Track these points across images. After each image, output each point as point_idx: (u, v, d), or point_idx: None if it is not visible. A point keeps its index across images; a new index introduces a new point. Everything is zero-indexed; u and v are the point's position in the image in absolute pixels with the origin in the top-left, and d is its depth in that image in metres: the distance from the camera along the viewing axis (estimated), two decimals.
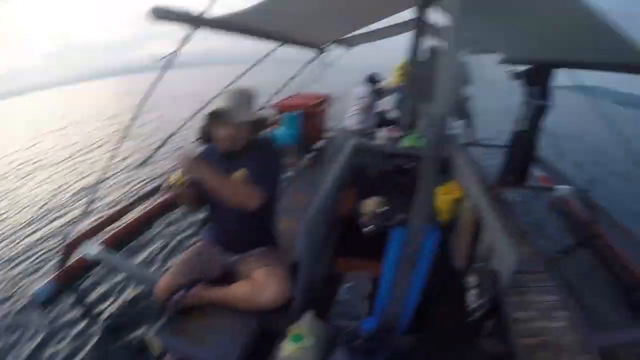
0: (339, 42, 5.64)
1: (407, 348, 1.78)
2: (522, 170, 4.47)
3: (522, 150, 4.11)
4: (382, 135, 4.01)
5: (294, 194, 3.98)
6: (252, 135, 2.04)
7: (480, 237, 2.48)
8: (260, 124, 2.11)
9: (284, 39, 3.89)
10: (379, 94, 5.91)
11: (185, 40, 2.48)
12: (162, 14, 2.09)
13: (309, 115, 5.25)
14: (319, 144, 5.99)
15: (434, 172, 1.65)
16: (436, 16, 4.13)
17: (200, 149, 2.20)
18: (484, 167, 5.69)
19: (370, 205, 1.91)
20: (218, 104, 1.90)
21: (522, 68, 4.59)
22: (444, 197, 3.33)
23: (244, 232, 2.15)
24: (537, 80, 4.20)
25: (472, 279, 2.27)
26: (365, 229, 2.14)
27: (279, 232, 2.38)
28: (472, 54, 5.44)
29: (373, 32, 5.71)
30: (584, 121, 13.54)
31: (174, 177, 1.86)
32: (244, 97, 1.98)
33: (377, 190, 3.70)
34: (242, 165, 1.97)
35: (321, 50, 5.29)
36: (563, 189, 5.11)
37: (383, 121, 5.89)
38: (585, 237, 4.50)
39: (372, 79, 5.82)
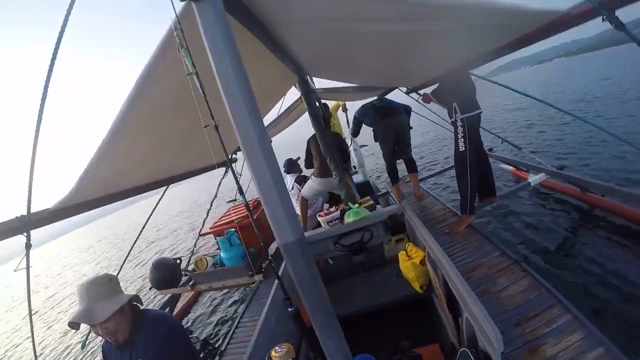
0: None
1: None
2: (484, 184, 4.25)
3: (475, 168, 3.90)
4: (322, 219, 3.76)
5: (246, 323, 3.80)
6: (134, 317, 1.83)
7: (458, 309, 2.21)
8: (137, 301, 1.89)
9: (181, 177, 3.66)
10: (304, 178, 5.74)
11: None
12: None
13: (247, 226, 4.97)
14: (272, 247, 5.68)
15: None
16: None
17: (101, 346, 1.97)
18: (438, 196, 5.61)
19: (278, 356, 1.61)
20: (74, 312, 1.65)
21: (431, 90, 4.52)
22: (406, 264, 3.10)
23: None
24: (449, 96, 4.02)
25: None
26: None
27: None
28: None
29: (272, 125, 5.78)
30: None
31: None
32: (99, 288, 1.72)
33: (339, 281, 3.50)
34: (136, 356, 1.78)
35: (230, 162, 5.02)
36: (538, 175, 5.16)
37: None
38: (587, 208, 4.72)
39: (290, 165, 5.68)
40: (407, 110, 5.52)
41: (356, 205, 3.83)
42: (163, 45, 1.54)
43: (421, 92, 4.69)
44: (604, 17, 1.30)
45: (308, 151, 5.19)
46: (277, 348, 1.69)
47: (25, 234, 1.90)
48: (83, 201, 2.38)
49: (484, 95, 4.16)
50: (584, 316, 2.27)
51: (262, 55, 2.47)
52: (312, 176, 5.08)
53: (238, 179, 2.07)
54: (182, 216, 22.66)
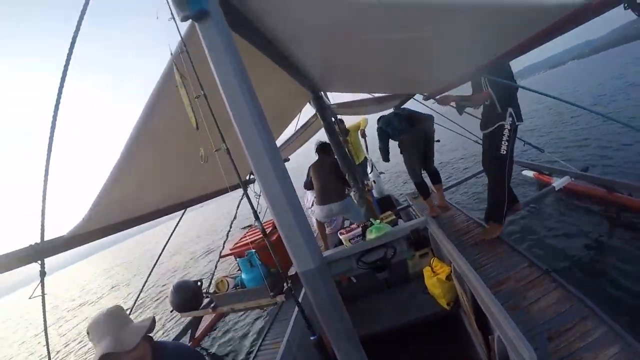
0: None
1: None
2: (509, 193, 4.10)
3: (510, 175, 3.78)
4: (343, 237, 3.68)
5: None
6: (154, 347, 1.75)
7: (488, 326, 2.10)
8: (153, 325, 1.77)
9: (196, 200, 3.63)
10: None
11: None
12: None
13: (265, 247, 4.91)
14: (292, 269, 5.55)
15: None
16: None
17: None
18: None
19: None
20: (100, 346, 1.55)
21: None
22: (432, 280, 3.00)
23: None
24: (505, 102, 3.85)
25: None
26: None
27: None
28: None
29: (288, 143, 5.74)
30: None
31: None
32: (118, 318, 1.65)
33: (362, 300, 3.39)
34: None
35: (247, 183, 5.02)
36: (562, 179, 5.03)
37: None
38: (614, 211, 4.56)
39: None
40: (431, 119, 5.37)
41: (378, 220, 3.75)
42: (170, 67, 1.50)
43: (437, 97, 4.55)
44: (626, 5, 1.25)
45: (308, 176, 5.20)
46: None
47: (39, 262, 1.86)
48: (97, 228, 2.34)
49: None
50: (621, 328, 2.16)
51: (273, 72, 2.43)
52: (314, 202, 5.03)
53: (255, 201, 2.01)
54: (200, 240, 22.68)
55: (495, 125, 3.73)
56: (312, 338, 1.74)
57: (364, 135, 7.27)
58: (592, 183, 4.94)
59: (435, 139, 5.30)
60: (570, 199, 5.53)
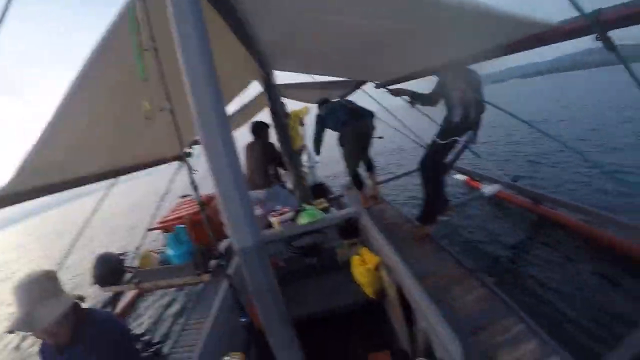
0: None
1: None
2: (443, 196, 4.19)
3: (436, 180, 3.85)
4: (274, 220, 3.65)
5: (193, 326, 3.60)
6: (78, 318, 1.67)
7: (415, 318, 2.14)
8: (81, 300, 1.73)
9: (132, 169, 3.43)
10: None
11: None
12: None
13: (198, 223, 4.77)
14: (222, 246, 5.41)
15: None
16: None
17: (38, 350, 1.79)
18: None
19: None
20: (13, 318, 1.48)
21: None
22: (359, 269, 3.02)
23: None
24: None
25: None
26: None
27: None
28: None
29: (231, 120, 5.56)
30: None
31: None
32: (39, 289, 1.55)
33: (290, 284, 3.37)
34: (79, 358, 1.64)
35: (186, 156, 4.81)
36: (493, 186, 5.24)
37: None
38: (536, 220, 4.86)
39: None
40: (371, 115, 5.42)
41: (311, 206, 3.73)
42: (121, 16, 1.40)
43: (390, 87, 4.54)
44: (597, 36, 1.29)
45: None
46: (227, 359, 1.58)
47: None
48: (23, 190, 2.17)
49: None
50: (538, 326, 2.29)
51: (226, 40, 2.34)
52: None
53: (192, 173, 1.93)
54: (128, 214, 21.62)
55: (449, 140, 3.79)
56: (242, 319, 1.68)
57: (302, 124, 7.33)
58: (520, 193, 5.24)
59: (379, 135, 5.37)
60: (498, 206, 5.83)
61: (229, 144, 1.16)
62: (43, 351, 1.77)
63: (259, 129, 5.05)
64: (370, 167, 5.78)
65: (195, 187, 1.67)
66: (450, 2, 1.44)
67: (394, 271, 2.48)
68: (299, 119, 7.21)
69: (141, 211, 19.34)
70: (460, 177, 7.03)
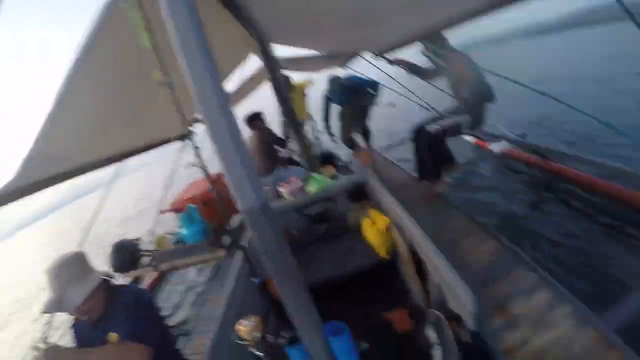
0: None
1: None
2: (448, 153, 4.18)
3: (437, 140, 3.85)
4: (284, 190, 3.67)
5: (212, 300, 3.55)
6: (107, 295, 1.76)
7: (427, 274, 2.16)
8: (109, 277, 1.83)
9: (136, 151, 3.43)
10: None
11: None
12: None
13: (209, 201, 4.82)
14: (233, 224, 5.46)
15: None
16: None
17: (69, 326, 1.89)
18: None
19: (246, 330, 1.50)
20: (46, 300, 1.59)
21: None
22: (371, 230, 3.05)
23: None
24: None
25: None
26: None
27: None
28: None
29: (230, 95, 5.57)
30: None
31: None
32: (68, 271, 1.63)
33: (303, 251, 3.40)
34: (111, 329, 1.69)
35: (189, 134, 4.80)
36: (500, 143, 5.23)
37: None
38: (546, 177, 4.81)
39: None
40: (374, 86, 5.47)
41: (318, 173, 3.75)
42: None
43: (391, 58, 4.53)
44: None
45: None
46: (244, 322, 1.59)
47: None
48: (32, 182, 2.19)
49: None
50: (550, 276, 2.27)
51: (221, 15, 2.33)
52: None
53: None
54: (140, 202, 21.84)
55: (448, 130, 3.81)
56: (255, 281, 1.72)
57: (304, 94, 7.31)
58: (527, 149, 5.22)
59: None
60: (506, 163, 5.79)
61: (225, 105, 1.16)
62: (75, 326, 1.85)
63: (251, 122, 5.27)
64: (366, 137, 5.95)
65: (202, 164, 1.68)
66: None
67: (405, 230, 2.50)
68: (302, 90, 7.21)
69: (150, 199, 19.51)
70: (468, 138, 6.98)
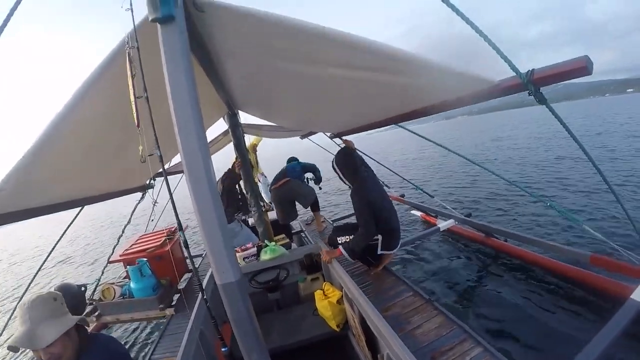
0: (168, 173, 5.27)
1: None
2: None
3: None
4: (239, 255, 3.76)
5: None
6: (81, 341, 1.70)
7: (377, 346, 2.30)
8: (84, 323, 1.76)
9: (98, 198, 3.46)
10: None
11: None
12: None
13: (160, 255, 4.76)
14: (182, 283, 5.37)
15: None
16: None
17: None
18: None
19: None
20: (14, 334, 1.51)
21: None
22: (323, 302, 3.17)
23: None
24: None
25: None
26: None
27: None
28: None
29: None
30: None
31: None
32: (43, 309, 1.58)
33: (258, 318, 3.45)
34: None
35: (147, 187, 4.85)
36: (448, 222, 5.52)
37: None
38: (491, 252, 5.22)
39: None
40: (306, 170, 5.93)
41: (273, 242, 3.87)
42: (111, 59, 1.53)
43: (344, 138, 4.77)
44: (530, 92, 1.43)
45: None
46: None
47: None
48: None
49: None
50: (494, 348, 2.41)
51: (200, 79, 2.47)
52: None
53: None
54: (88, 240, 20.57)
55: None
56: (223, 350, 1.78)
57: (255, 151, 7.46)
58: (473, 227, 5.62)
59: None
60: (453, 240, 6.20)
61: (213, 186, 1.25)
62: None
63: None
64: (315, 208, 5.92)
65: (176, 214, 1.72)
66: (404, 56, 1.51)
67: (357, 303, 2.63)
68: (253, 147, 7.34)
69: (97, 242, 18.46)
70: (416, 212, 7.41)
